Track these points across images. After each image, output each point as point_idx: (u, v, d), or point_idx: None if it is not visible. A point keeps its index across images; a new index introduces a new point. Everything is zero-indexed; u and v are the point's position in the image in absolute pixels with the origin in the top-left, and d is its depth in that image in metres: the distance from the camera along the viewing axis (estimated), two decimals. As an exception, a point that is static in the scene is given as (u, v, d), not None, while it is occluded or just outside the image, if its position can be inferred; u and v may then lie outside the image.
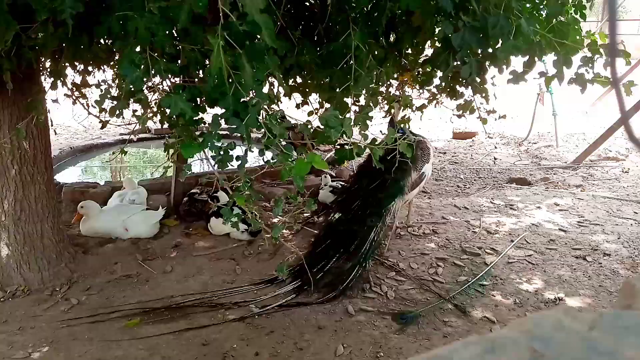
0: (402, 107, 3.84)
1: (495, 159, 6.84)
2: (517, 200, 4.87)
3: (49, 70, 2.97)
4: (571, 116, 8.86)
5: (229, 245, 3.77)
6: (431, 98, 3.57)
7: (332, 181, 4.71)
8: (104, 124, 3.37)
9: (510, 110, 9.42)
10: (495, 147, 7.50)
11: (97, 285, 3.17)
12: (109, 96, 2.14)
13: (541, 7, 2.46)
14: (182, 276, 3.31)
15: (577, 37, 2.30)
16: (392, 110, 3.95)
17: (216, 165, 1.89)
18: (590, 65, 2.37)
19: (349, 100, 2.48)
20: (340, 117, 1.93)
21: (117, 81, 3.18)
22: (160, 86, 2.05)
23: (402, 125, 3.75)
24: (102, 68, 3.40)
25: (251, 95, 1.70)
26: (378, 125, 4.54)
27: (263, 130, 1.84)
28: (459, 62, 2.31)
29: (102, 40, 2.39)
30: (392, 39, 2.77)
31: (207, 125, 1.89)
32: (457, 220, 4.30)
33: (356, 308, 2.94)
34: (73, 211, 4.13)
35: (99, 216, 3.77)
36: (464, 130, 8.01)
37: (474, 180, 5.96)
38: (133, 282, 3.24)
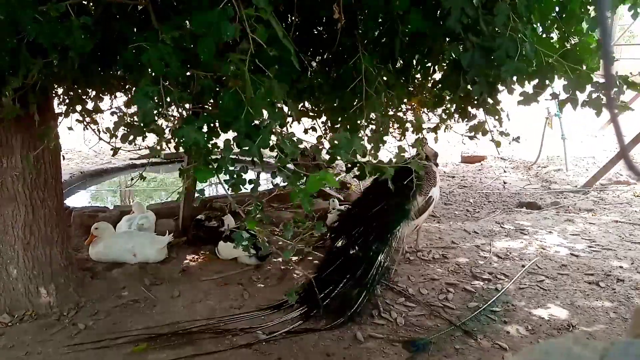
0: (415, 131, 3.86)
1: (504, 182, 6.80)
2: (527, 224, 4.83)
3: (62, 97, 3.02)
4: (580, 139, 8.83)
5: (236, 270, 3.75)
6: (439, 123, 3.51)
7: (340, 205, 4.71)
8: (115, 151, 3.41)
9: (519, 134, 9.47)
10: (505, 171, 7.47)
11: (104, 310, 3.16)
12: (123, 124, 2.18)
13: (552, 31, 2.48)
14: (189, 301, 3.29)
15: (594, 64, 2.27)
16: (420, 149, 3.97)
17: (230, 190, 1.91)
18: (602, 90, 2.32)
19: (360, 122, 2.48)
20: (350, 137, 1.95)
21: (129, 109, 3.23)
22: (175, 115, 2.07)
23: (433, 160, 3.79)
24: (114, 95, 3.45)
25: (264, 116, 1.73)
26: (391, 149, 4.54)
27: (275, 151, 1.86)
28: (469, 84, 2.30)
29: (114, 68, 2.44)
30: (399, 64, 2.78)
31: (219, 149, 1.91)
32: (467, 245, 4.26)
33: (365, 335, 2.90)
34: (82, 235, 4.15)
35: (109, 241, 3.77)
36: (473, 153, 8.01)
37: (484, 204, 5.92)
38: (140, 307, 3.22)
